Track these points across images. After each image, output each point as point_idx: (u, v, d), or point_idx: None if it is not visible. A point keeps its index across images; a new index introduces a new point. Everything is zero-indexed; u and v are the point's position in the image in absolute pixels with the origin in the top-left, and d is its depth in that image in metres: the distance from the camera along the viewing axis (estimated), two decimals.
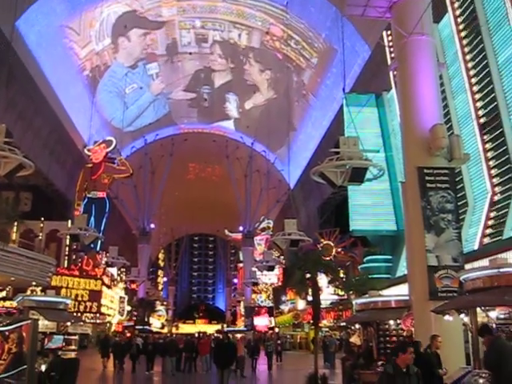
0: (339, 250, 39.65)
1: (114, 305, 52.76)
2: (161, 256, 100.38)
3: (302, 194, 59.43)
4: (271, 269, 46.46)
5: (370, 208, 30.65)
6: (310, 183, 41.14)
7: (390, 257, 31.16)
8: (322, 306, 31.02)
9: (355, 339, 22.33)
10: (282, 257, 51.76)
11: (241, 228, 67.89)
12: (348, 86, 38.68)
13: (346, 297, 31.89)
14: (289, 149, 48.01)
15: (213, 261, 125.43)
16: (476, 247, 20.18)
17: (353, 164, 12.87)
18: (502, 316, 9.97)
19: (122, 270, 55.67)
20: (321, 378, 20.23)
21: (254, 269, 53.20)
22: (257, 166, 63.08)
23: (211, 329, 71.08)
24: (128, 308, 58.12)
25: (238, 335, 50.99)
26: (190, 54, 54.69)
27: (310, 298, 24.53)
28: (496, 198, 20.82)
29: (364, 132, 26.08)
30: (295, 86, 53.78)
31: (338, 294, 35.98)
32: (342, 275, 34.65)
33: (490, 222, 20.56)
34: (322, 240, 39.35)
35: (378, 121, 32.74)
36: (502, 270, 9.94)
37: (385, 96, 32.62)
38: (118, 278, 57.71)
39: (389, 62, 26.59)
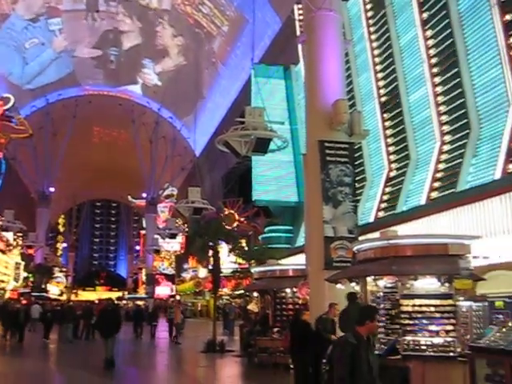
0: (242, 219, 40.22)
1: (8, 271, 50.63)
2: (61, 221, 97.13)
3: (207, 163, 59.38)
4: (174, 236, 46.40)
5: (273, 179, 31.10)
6: (215, 152, 41.07)
7: (290, 227, 31.89)
8: (222, 274, 31.48)
9: (253, 307, 22.88)
10: (186, 225, 51.71)
11: (144, 195, 66.99)
12: (257, 56, 38.80)
13: (246, 265, 32.43)
14: (195, 116, 47.70)
15: (115, 227, 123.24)
16: (372, 220, 21.10)
17: (257, 134, 13.00)
18: (389, 285, 10.50)
19: (18, 234, 53.41)
20: (219, 344, 20.65)
21: (156, 236, 52.88)
22: (163, 133, 62.17)
23: (112, 296, 70.16)
24: (24, 274, 56.04)
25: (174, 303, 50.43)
26: (98, 11, 52.59)
27: (211, 266, 24.82)
28: (392, 174, 21.80)
29: (271, 103, 26.31)
30: (205, 54, 53.24)
31: (238, 263, 36.52)
32: (243, 244, 35.24)
33: (386, 197, 21.53)
34: (226, 209, 39.71)
35: (285, 93, 33.06)
36: (391, 241, 10.48)
37: (293, 69, 32.96)
38: (14, 243, 55.37)
39: (298, 35, 26.87)
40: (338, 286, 11.43)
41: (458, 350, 9.55)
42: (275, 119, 16.77)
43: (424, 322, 9.99)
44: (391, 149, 21.99)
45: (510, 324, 7.44)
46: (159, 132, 62.30)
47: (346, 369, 5.17)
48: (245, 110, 13.51)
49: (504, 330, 7.80)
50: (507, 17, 16.03)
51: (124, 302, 67.28)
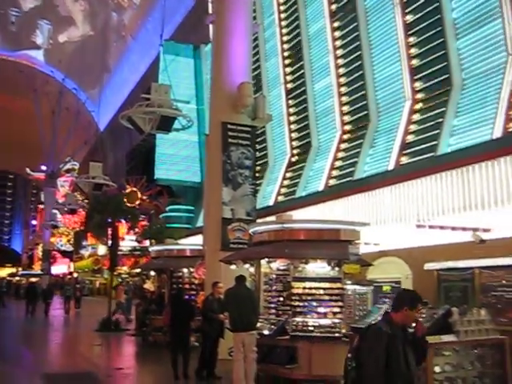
0: (145, 197, 39.60)
1: None
2: None
3: (111, 139, 57.93)
4: (73, 212, 44.88)
5: (177, 158, 30.89)
6: (120, 128, 40.06)
7: (192, 207, 31.87)
8: (121, 253, 30.98)
9: (149, 285, 22.69)
10: (87, 201, 50.25)
11: (44, 168, 64.31)
12: (168, 33, 38.12)
13: (146, 244, 32.07)
14: (101, 90, 46.25)
15: (11, 200, 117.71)
16: (271, 204, 21.49)
17: (161, 112, 12.82)
18: (282, 267, 10.78)
19: None
20: (114, 322, 20.39)
21: (54, 211, 51.05)
22: (66, 104, 59.74)
23: (4, 272, 67.26)
24: None
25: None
26: None
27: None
28: (293, 159, 22.28)
29: (178, 82, 26.06)
30: (114, 26, 51.62)
31: (138, 241, 36.04)
32: (145, 223, 34.80)
33: (286, 182, 21.99)
34: (128, 187, 38.94)
35: (194, 73, 32.79)
36: (285, 225, 10.75)
37: (203, 48, 32.68)
38: None
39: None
40: (233, 266, 11.58)
41: (343, 330, 9.98)
42: (182, 98, 16.66)
43: (313, 304, 10.34)
44: (294, 135, 22.44)
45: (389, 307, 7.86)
46: (63, 103, 59.81)
47: (380, 365, 4.14)
48: (151, 86, 13.28)
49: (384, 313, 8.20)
50: (407, 17, 16.74)
51: (17, 278, 64.62)
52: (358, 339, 4.44)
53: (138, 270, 30.67)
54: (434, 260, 16.49)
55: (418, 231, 12.80)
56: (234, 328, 9.47)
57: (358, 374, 4.28)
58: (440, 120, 15.01)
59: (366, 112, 18.39)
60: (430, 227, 12.03)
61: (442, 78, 15.61)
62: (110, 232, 23.34)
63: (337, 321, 10.18)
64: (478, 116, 14.01)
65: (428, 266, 16.70)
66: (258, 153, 22.45)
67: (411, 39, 16.66)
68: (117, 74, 54.72)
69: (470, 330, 6.47)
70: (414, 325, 4.50)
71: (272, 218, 14.72)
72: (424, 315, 6.64)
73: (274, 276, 10.94)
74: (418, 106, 16.33)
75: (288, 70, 23.01)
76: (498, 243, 14.12)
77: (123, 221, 27.42)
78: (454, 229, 12.31)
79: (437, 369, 6.25)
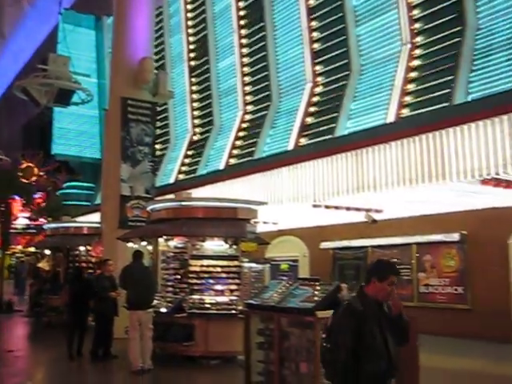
0: (42, 173, 37.95)
1: None
2: None
3: (5, 110, 54.84)
4: None
5: (76, 133, 29.89)
6: (15, 99, 38.10)
7: (92, 185, 31.00)
8: (16, 231, 29.59)
9: (43, 264, 21.89)
10: None
11: None
12: (69, 2, 36.44)
13: (42, 222, 30.82)
14: None
15: None
16: (172, 181, 21.33)
17: (59, 84, 12.32)
18: (180, 245, 10.76)
19: None
20: (5, 303, 19.52)
21: None
22: None
23: None
24: None
25: None
26: None
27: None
28: (195, 138, 22.18)
29: (78, 54, 25.05)
30: None
31: (34, 219, 34.56)
32: (42, 200, 33.39)
33: (187, 160, 21.88)
34: (24, 162, 37.13)
35: (95, 45, 31.69)
36: (183, 203, 10.72)
37: (105, 21, 31.61)
38: None
39: None
40: (130, 244, 11.41)
41: (240, 307, 10.14)
42: (82, 71, 16.05)
43: (210, 281, 10.42)
44: (196, 113, 22.32)
45: (284, 284, 8.06)
46: None
47: (347, 345, 3.57)
48: (49, 57, 12.69)
49: (279, 290, 8.40)
50: (311, 1, 17.04)
51: None
52: (331, 318, 3.87)
53: (33, 249, 29.50)
54: (330, 239, 17.14)
55: (314, 211, 13.20)
56: (131, 306, 9.34)
57: (331, 358, 3.68)
58: (338, 103, 15.47)
59: (267, 93, 18.60)
60: (326, 207, 12.44)
61: (341, 62, 16.08)
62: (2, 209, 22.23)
63: (234, 298, 10.33)
64: (373, 101, 14.59)
65: (324, 244, 17.35)
66: (159, 130, 22.31)
67: (313, 23, 17.00)
68: (12, 41, 51.73)
69: None
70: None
71: (172, 196, 14.65)
72: (317, 291, 6.88)
73: (172, 254, 10.91)
74: (318, 89, 16.74)
75: (192, 47, 22.78)
76: (389, 223, 14.87)
77: (17, 197, 26.18)
78: (348, 209, 12.80)
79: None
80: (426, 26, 14.11)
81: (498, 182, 9.13)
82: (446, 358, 10.30)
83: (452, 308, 13.72)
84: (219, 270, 10.49)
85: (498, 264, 12.74)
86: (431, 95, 12.99)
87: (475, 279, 13.20)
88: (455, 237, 13.82)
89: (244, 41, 19.91)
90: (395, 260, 15.53)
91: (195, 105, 22.30)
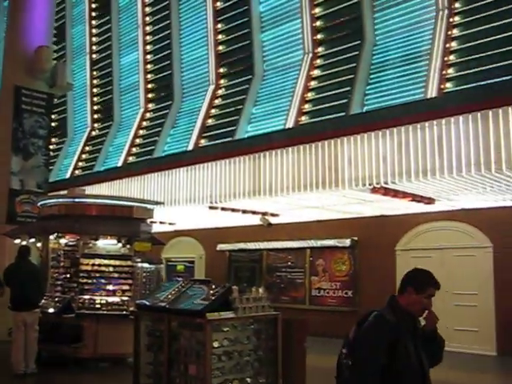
0: None
1: None
2: None
3: None
4: None
5: None
6: None
7: None
8: None
9: None
10: None
11: None
12: None
13: None
14: None
15: None
16: (68, 177, 20.61)
17: None
18: (71, 243, 10.41)
19: None
20: None
21: None
22: None
23: None
24: None
25: None
26: None
27: None
28: (94, 133, 21.56)
29: None
30: None
31: None
32: None
33: (85, 156, 21.22)
34: None
35: None
36: (76, 199, 10.39)
37: (1, 3, 29.91)
38: None
39: None
40: (18, 241, 10.89)
41: (131, 308, 9.95)
42: None
43: (102, 281, 10.15)
44: (96, 108, 21.70)
45: (177, 285, 8.01)
46: None
47: (376, 362, 3.00)
48: None
49: (171, 291, 8.34)
50: (218, 3, 17.08)
51: None
52: (354, 329, 3.27)
53: None
54: (227, 241, 17.26)
55: (211, 212, 13.24)
56: (15, 306, 8.87)
57: (354, 376, 3.12)
58: (239, 107, 15.61)
59: (170, 92, 18.43)
60: (223, 209, 12.50)
61: (245, 66, 16.23)
62: None
63: (125, 299, 10.13)
64: (274, 106, 14.85)
65: (220, 246, 17.44)
66: (56, 123, 21.47)
67: (219, 25, 17.05)
68: None
69: (247, 307, 6.84)
70: (424, 315, 3.27)
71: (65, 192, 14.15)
72: (209, 293, 6.89)
73: (63, 252, 10.53)
74: (221, 91, 16.80)
75: (95, 39, 22.11)
76: (285, 227, 15.21)
77: None
78: (244, 212, 12.94)
79: (215, 344, 6.52)
80: (328, 38, 14.56)
81: (386, 191, 9.58)
82: (333, 358, 10.65)
83: (341, 311, 14.24)
84: (111, 269, 10.25)
85: (386, 269, 13.38)
86: (329, 104, 13.41)
87: (364, 283, 13.79)
88: (347, 242, 14.37)
89: (148, 37, 19.60)
90: (289, 263, 15.98)
91: (95, 99, 21.66)
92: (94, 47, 22.11)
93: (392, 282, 13.39)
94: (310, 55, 14.64)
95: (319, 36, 14.70)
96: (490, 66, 10.75)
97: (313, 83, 14.34)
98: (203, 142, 15.93)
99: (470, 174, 8.08)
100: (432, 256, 13.02)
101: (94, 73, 21.83)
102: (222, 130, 15.60)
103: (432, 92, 11.34)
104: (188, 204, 12.74)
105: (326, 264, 15.13)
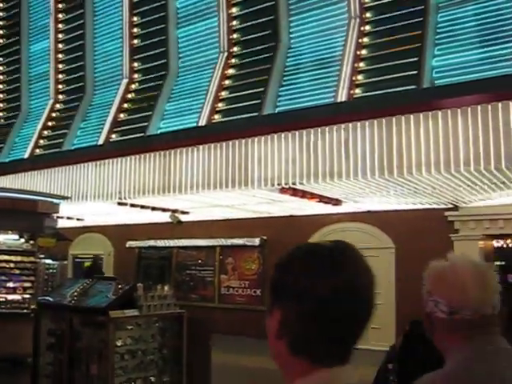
0: None
1: None
2: None
3: None
4: None
5: None
6: None
7: None
8: None
9: None
10: None
11: None
12: None
13: None
14: None
15: None
16: None
17: None
18: None
19: None
20: None
21: None
22: None
23: None
24: None
25: None
26: None
27: None
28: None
29: None
30: None
31: None
32: None
33: None
34: None
35: None
36: None
37: None
38: None
39: None
40: None
41: (33, 306, 9.62)
42: None
43: (2, 278, 9.78)
44: (2, 96, 20.73)
45: (81, 283, 7.82)
46: None
47: None
48: None
49: (75, 288, 8.15)
50: None
51: None
52: (400, 341, 2.84)
53: None
54: (136, 238, 17.02)
55: (121, 209, 13.00)
56: None
57: None
58: (153, 103, 15.41)
59: (82, 84, 17.90)
60: (132, 206, 12.31)
61: (159, 62, 16.03)
62: None
63: (27, 296, 9.79)
64: (187, 104, 14.76)
65: (130, 243, 17.17)
66: None
67: (135, 18, 16.73)
68: None
69: (152, 305, 6.79)
70: None
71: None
72: (113, 291, 6.78)
73: None
74: (134, 85, 16.51)
75: (1, 23, 21.07)
76: (195, 225, 15.19)
77: None
78: (154, 209, 12.80)
79: (118, 342, 6.43)
80: (243, 38, 14.65)
81: (294, 192, 9.77)
82: (240, 357, 10.76)
83: (250, 309, 14.40)
84: (12, 265, 9.88)
85: None
86: (242, 104, 13.51)
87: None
88: (256, 241, 14.55)
89: (61, 26, 18.92)
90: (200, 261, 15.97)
91: (1, 87, 20.67)
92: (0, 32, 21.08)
93: None
94: (226, 54, 14.69)
95: (235, 35, 14.77)
96: (395, 75, 11.21)
97: (227, 82, 14.39)
98: (114, 137, 15.59)
99: (375, 177, 8.39)
100: None
101: (1, 59, 20.83)
102: (133, 126, 15.32)
103: (342, 96, 11.69)
104: (96, 199, 12.43)
105: (236, 262, 15.25)
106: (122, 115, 16.07)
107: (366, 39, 12.57)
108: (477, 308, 1.61)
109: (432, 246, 12.13)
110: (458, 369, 1.58)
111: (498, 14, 11.10)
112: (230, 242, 15.09)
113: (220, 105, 14.03)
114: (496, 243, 14.47)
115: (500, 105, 7.45)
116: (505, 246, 15.67)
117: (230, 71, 14.52)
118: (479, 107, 7.60)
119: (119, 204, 12.22)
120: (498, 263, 17.69)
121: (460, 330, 1.62)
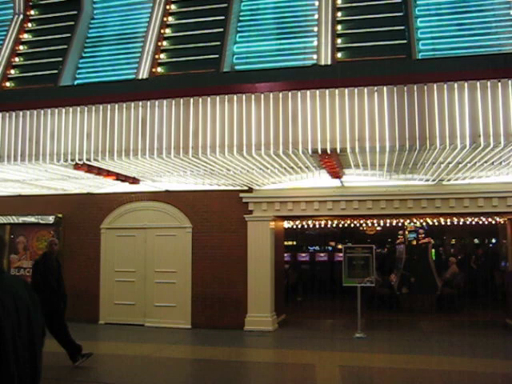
0: None
1: None
2: None
3: None
4: None
5: None
6: None
7: None
8: None
9: None
10: None
11: None
12: None
13: None
14: None
15: None
16: None
17: None
18: None
19: None
20: None
21: None
22: None
23: None
24: None
25: None
26: None
27: None
28: None
29: None
30: None
31: None
32: None
33: None
34: None
35: None
36: None
37: None
38: None
39: None
40: None
41: None
42: None
43: None
44: None
45: None
46: None
47: None
48: None
49: None
50: None
51: None
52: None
53: None
54: None
55: None
56: None
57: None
58: None
59: None
60: None
61: None
62: None
63: None
64: None
65: None
66: None
67: None
68: None
69: None
70: None
71: None
72: None
73: None
74: None
75: None
76: None
77: None
78: None
79: None
80: (42, 1, 13.73)
81: (90, 169, 9.42)
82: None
83: None
84: None
85: (91, 247, 13.30)
86: (38, 73, 12.68)
87: (67, 261, 13.36)
88: (50, 219, 13.84)
89: None
90: None
91: None
92: None
93: (97, 260, 13.41)
94: (21, 17, 13.63)
95: None
96: (197, 58, 11.35)
97: (22, 47, 13.39)
98: None
99: (170, 157, 8.39)
100: (136, 235, 13.34)
101: None
102: None
103: (143, 74, 11.53)
104: None
105: (28, 242, 14.37)
106: None
107: (170, 18, 12.52)
108: None
109: (227, 226, 12.62)
110: None
111: (294, 10, 11.79)
112: (21, 219, 14.16)
113: (13, 72, 13.02)
114: (287, 224, 15.49)
115: (290, 94, 7.88)
116: (294, 226, 16.87)
117: (26, 36, 13.52)
118: (271, 95, 7.96)
119: None
120: (288, 243, 19.06)
121: None
